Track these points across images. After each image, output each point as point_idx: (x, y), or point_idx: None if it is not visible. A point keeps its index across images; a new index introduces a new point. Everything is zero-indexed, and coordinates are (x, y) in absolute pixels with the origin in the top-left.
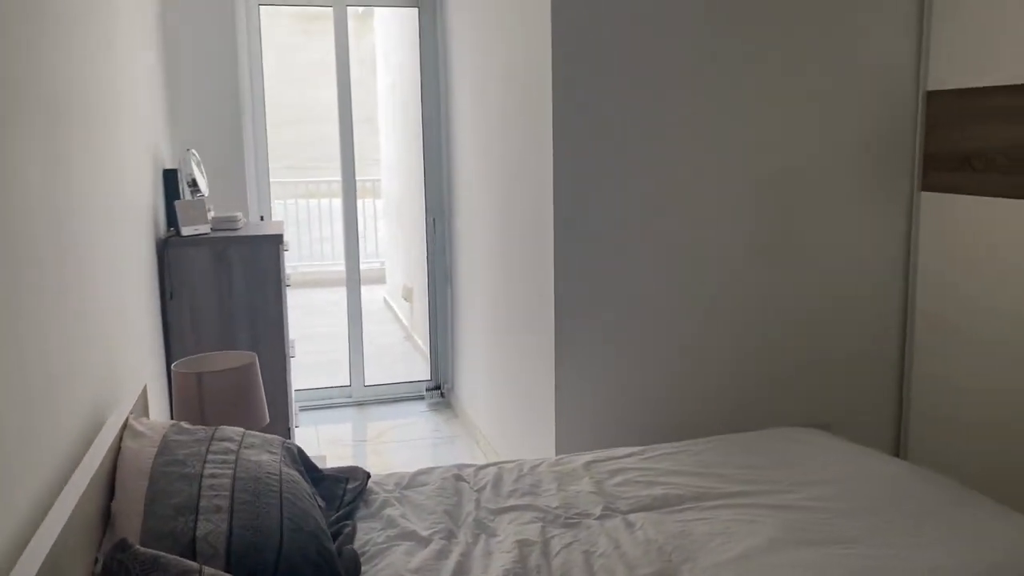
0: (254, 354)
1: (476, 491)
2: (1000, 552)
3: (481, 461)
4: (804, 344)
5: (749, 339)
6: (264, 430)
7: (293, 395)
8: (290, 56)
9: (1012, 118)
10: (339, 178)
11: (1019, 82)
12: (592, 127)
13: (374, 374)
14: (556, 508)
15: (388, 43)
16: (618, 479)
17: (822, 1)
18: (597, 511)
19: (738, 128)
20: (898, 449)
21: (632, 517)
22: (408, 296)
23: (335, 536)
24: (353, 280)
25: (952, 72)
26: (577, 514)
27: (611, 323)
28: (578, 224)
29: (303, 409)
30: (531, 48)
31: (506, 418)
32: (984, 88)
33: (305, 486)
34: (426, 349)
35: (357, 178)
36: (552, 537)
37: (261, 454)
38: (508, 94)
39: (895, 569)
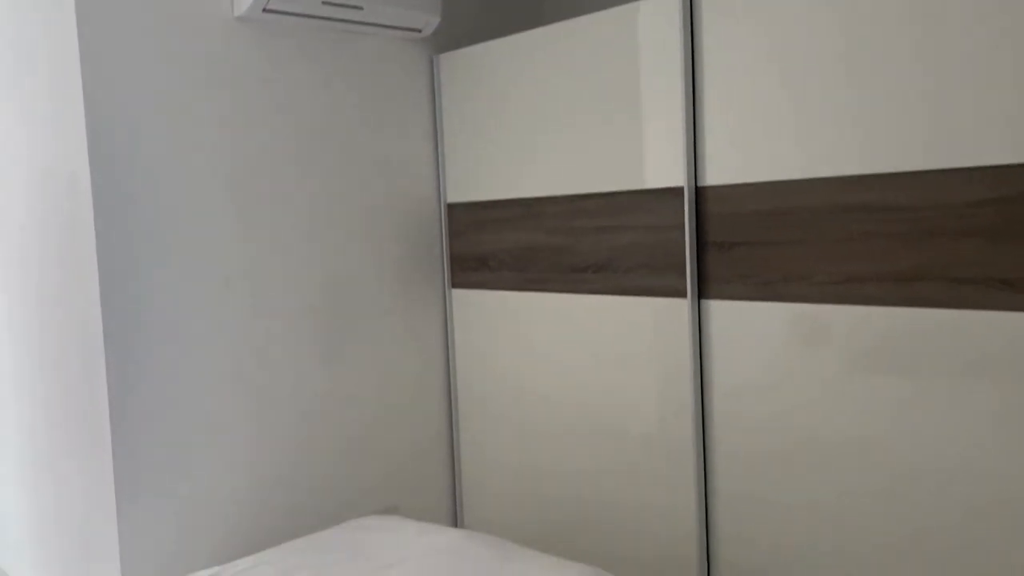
0: None
1: None
2: None
3: None
4: (371, 434)
5: (319, 438)
6: None
7: None
8: None
9: (516, 225)
10: None
11: (520, 196)
12: (144, 238)
13: None
14: None
15: None
16: None
17: (355, 139)
18: None
19: (297, 240)
20: (456, 520)
21: None
22: None
23: None
24: None
25: (467, 188)
26: None
27: (178, 439)
28: (132, 339)
29: None
30: (66, 148)
31: (57, 567)
32: (492, 201)
33: None
34: None
35: None
36: None
37: None
38: (38, 200)
39: None
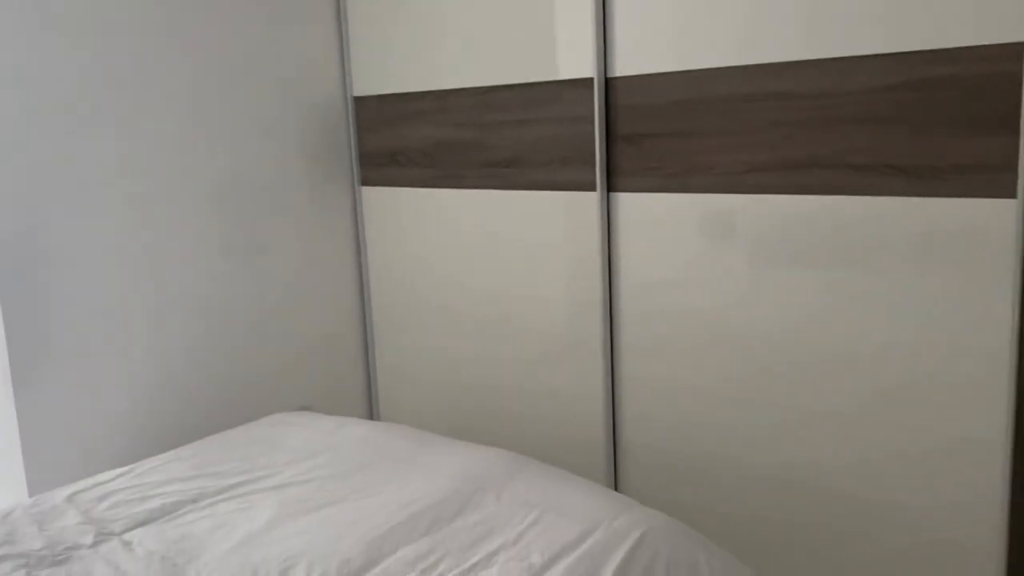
0: None
1: None
2: (460, 472)
3: None
4: (279, 336)
5: (227, 337)
6: None
7: None
8: None
9: (426, 119)
10: None
11: (429, 88)
12: (35, 132)
13: None
14: (41, 550)
15: None
16: (108, 503)
17: (251, 26)
18: (89, 540)
19: (187, 142)
20: (371, 415)
21: (129, 536)
22: None
23: None
24: None
25: (375, 80)
26: (67, 549)
27: (79, 342)
28: (26, 245)
29: None
30: None
31: None
32: (401, 94)
33: None
34: None
35: None
36: None
37: None
38: None
39: (380, 511)
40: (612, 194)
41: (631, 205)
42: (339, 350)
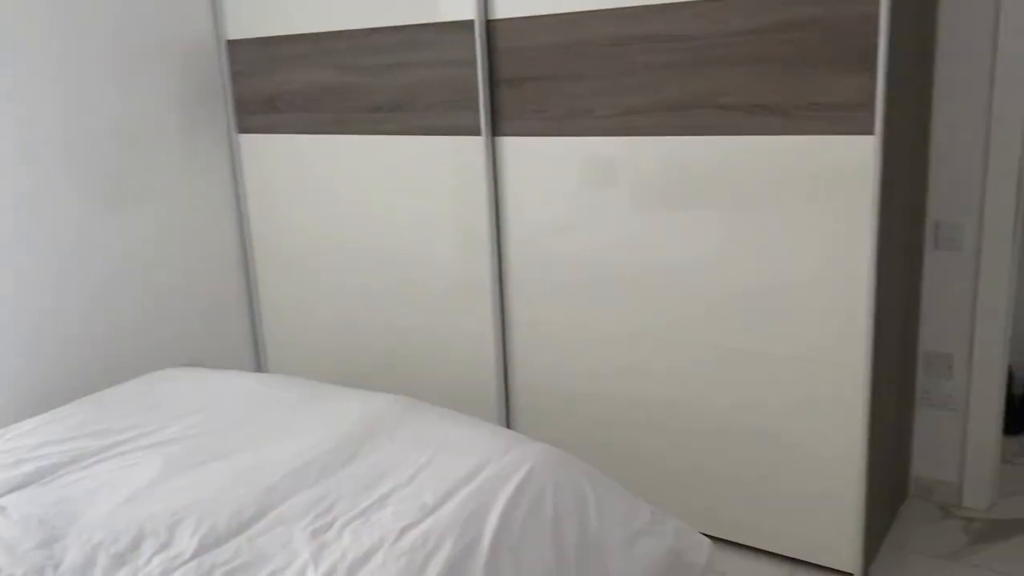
0: None
1: None
2: (351, 418)
3: None
4: (158, 292)
5: (103, 295)
6: None
7: None
8: None
9: (305, 63)
10: None
11: (308, 31)
12: None
13: None
14: None
15: None
16: None
17: None
18: None
19: (43, 91)
20: (259, 368)
21: (3, 501)
22: None
23: None
24: None
25: (249, 22)
26: None
27: None
28: None
29: None
30: None
31: None
32: (277, 36)
33: None
34: None
35: None
36: None
37: None
38: None
39: (270, 462)
40: (497, 138)
41: (516, 149)
42: (222, 304)
